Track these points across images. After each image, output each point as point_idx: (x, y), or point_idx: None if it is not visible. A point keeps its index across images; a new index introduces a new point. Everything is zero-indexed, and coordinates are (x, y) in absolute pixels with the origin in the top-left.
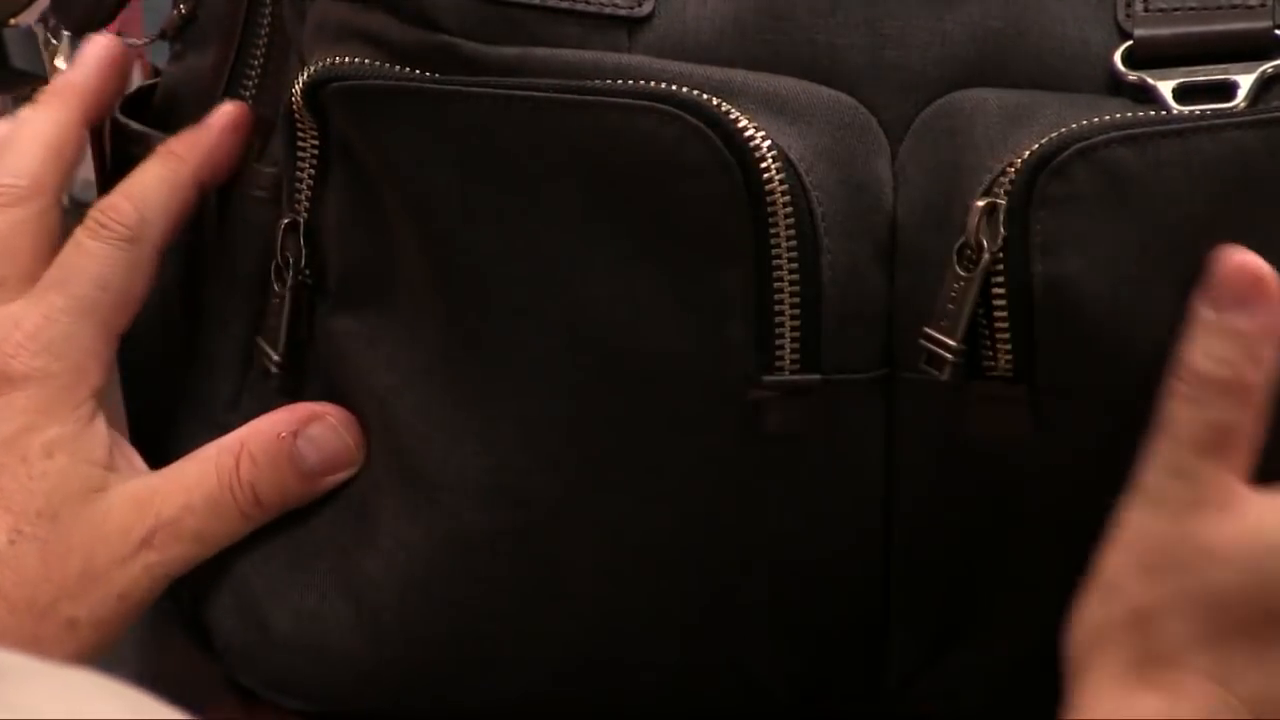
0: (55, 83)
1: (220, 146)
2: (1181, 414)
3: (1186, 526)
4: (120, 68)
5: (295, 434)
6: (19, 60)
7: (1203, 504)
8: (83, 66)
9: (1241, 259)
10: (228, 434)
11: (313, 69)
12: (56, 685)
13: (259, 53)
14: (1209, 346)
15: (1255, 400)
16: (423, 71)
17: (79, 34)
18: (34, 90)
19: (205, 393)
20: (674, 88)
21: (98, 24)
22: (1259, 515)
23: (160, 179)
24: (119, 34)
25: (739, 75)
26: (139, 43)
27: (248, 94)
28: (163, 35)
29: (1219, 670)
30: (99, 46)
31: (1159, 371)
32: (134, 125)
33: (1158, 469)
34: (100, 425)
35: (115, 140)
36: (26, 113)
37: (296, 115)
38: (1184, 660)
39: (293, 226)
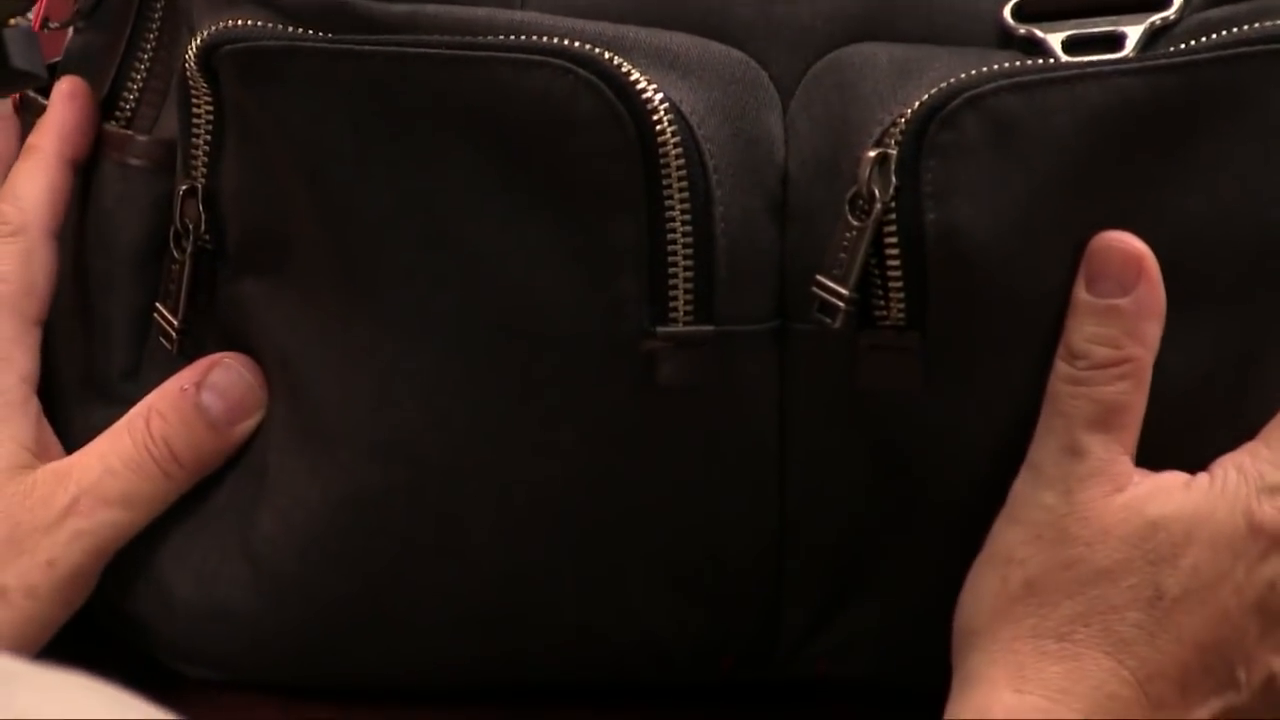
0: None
1: (67, 121)
2: (1070, 392)
3: (1076, 501)
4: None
5: (198, 385)
6: (19, 60)
7: (1092, 479)
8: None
9: (1118, 240)
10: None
11: (205, 34)
12: (50, 688)
13: (154, 26)
14: (1092, 327)
15: (1141, 377)
16: (315, 31)
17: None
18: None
19: (101, 364)
20: (566, 43)
21: (22, 8)
22: (1145, 492)
23: (28, 170)
24: (45, 19)
25: (631, 31)
26: (57, 25)
27: (142, 66)
28: (79, 15)
29: (1109, 643)
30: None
31: (1048, 319)
32: (43, 101)
33: (1049, 445)
34: (31, 409)
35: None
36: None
37: (190, 81)
38: (1077, 632)
39: (191, 192)
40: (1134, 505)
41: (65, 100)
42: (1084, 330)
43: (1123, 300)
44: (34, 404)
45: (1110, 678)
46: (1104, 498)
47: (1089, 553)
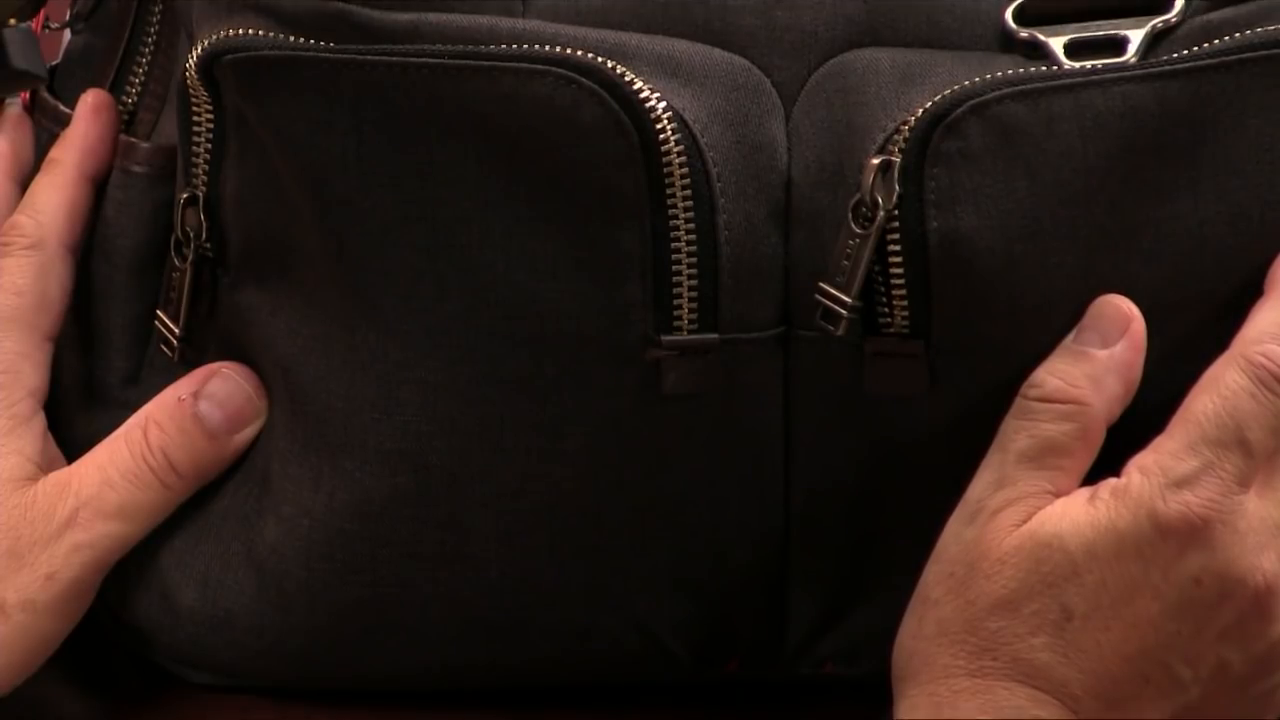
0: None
1: (89, 134)
2: (1015, 426)
3: (983, 534)
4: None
5: (195, 395)
6: (19, 60)
7: (1004, 511)
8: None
9: (1114, 299)
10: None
11: (206, 43)
12: None
13: (152, 29)
14: (1057, 365)
15: (1088, 426)
16: (316, 41)
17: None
18: (34, 91)
19: (100, 370)
20: (569, 51)
21: (25, 13)
22: (1045, 515)
23: (48, 185)
24: (46, 19)
25: (633, 39)
26: (57, 25)
27: (141, 70)
28: (77, 18)
29: (1021, 672)
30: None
31: (1052, 326)
32: (60, 105)
33: (983, 479)
34: (37, 424)
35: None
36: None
37: (190, 90)
38: (987, 667)
39: (192, 200)
40: (1031, 529)
41: (89, 115)
42: (1050, 364)
43: (1097, 351)
44: (40, 419)
45: (1030, 704)
46: (1010, 529)
47: (988, 584)
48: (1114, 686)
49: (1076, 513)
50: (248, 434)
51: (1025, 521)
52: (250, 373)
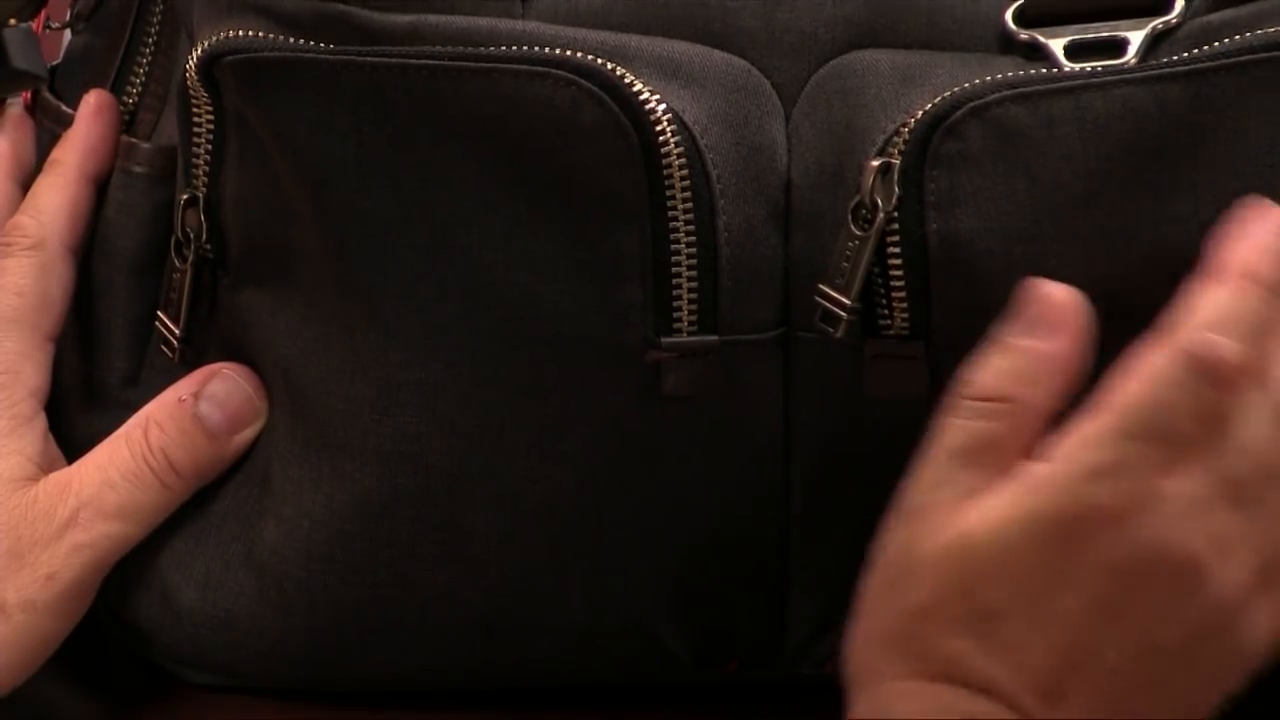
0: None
1: (91, 135)
2: (945, 424)
3: (912, 537)
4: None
5: (196, 395)
6: (19, 60)
7: (934, 511)
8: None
9: (1045, 287)
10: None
11: (206, 43)
12: None
13: (152, 29)
14: (994, 360)
15: (1021, 422)
16: (316, 42)
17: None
18: (35, 91)
19: (100, 370)
20: (568, 53)
21: (26, 14)
22: (967, 512)
23: (50, 185)
24: (46, 19)
25: (633, 40)
26: (57, 25)
27: (141, 70)
28: (78, 18)
29: (948, 675)
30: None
31: None
32: (62, 106)
33: (916, 480)
34: (38, 424)
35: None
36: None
37: (191, 91)
38: (917, 672)
39: (192, 201)
40: (955, 529)
41: (91, 116)
42: (986, 361)
43: (1033, 340)
44: (41, 419)
45: (966, 704)
46: (938, 529)
47: (915, 587)
48: (1048, 680)
49: (996, 508)
50: (248, 434)
51: (952, 521)
52: (250, 373)
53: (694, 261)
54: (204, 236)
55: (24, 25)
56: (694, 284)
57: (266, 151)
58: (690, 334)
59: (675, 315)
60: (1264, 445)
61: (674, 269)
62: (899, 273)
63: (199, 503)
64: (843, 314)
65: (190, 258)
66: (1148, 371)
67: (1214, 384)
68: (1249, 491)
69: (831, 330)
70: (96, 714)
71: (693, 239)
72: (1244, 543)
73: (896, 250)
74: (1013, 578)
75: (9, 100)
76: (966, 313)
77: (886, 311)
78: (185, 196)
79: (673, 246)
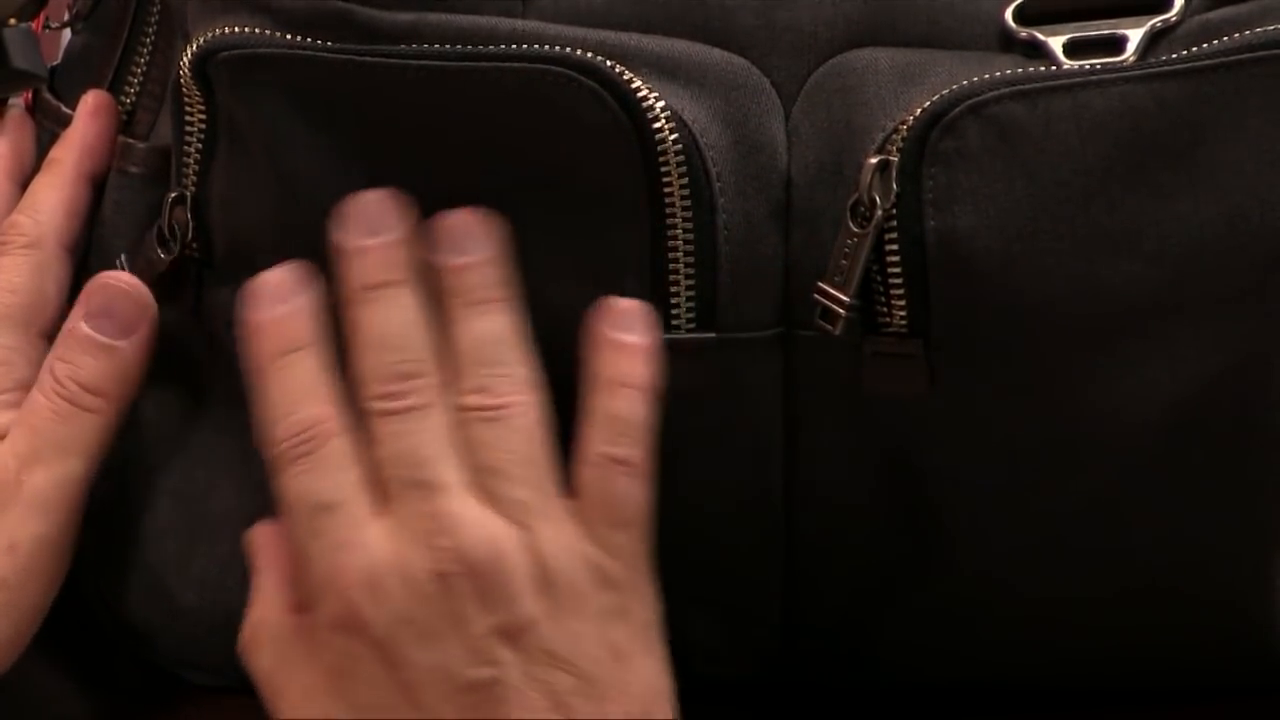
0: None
1: (89, 135)
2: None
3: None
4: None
5: (82, 319)
6: (19, 60)
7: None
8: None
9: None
10: None
11: (200, 40)
12: None
13: (150, 30)
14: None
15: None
16: (314, 39)
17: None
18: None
19: None
20: (568, 51)
21: (30, 13)
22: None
23: (48, 184)
24: (45, 19)
25: (632, 39)
26: (56, 25)
27: (139, 70)
28: (76, 17)
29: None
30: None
31: (1051, 325)
32: (62, 106)
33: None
34: None
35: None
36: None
37: (184, 89)
38: None
39: (180, 199)
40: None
41: (89, 115)
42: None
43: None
44: None
45: None
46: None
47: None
48: None
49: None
50: (144, 332)
51: None
52: (130, 276)
53: (692, 259)
54: (190, 235)
55: (24, 25)
56: (692, 282)
57: (257, 152)
58: (688, 331)
59: (673, 313)
60: None
61: (672, 266)
62: (897, 270)
63: (196, 506)
64: (841, 311)
65: (175, 254)
66: None
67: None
68: None
69: (830, 328)
70: (97, 714)
71: (691, 237)
72: None
73: (895, 248)
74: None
75: (10, 100)
76: (965, 310)
77: (885, 309)
78: (174, 194)
79: (671, 244)
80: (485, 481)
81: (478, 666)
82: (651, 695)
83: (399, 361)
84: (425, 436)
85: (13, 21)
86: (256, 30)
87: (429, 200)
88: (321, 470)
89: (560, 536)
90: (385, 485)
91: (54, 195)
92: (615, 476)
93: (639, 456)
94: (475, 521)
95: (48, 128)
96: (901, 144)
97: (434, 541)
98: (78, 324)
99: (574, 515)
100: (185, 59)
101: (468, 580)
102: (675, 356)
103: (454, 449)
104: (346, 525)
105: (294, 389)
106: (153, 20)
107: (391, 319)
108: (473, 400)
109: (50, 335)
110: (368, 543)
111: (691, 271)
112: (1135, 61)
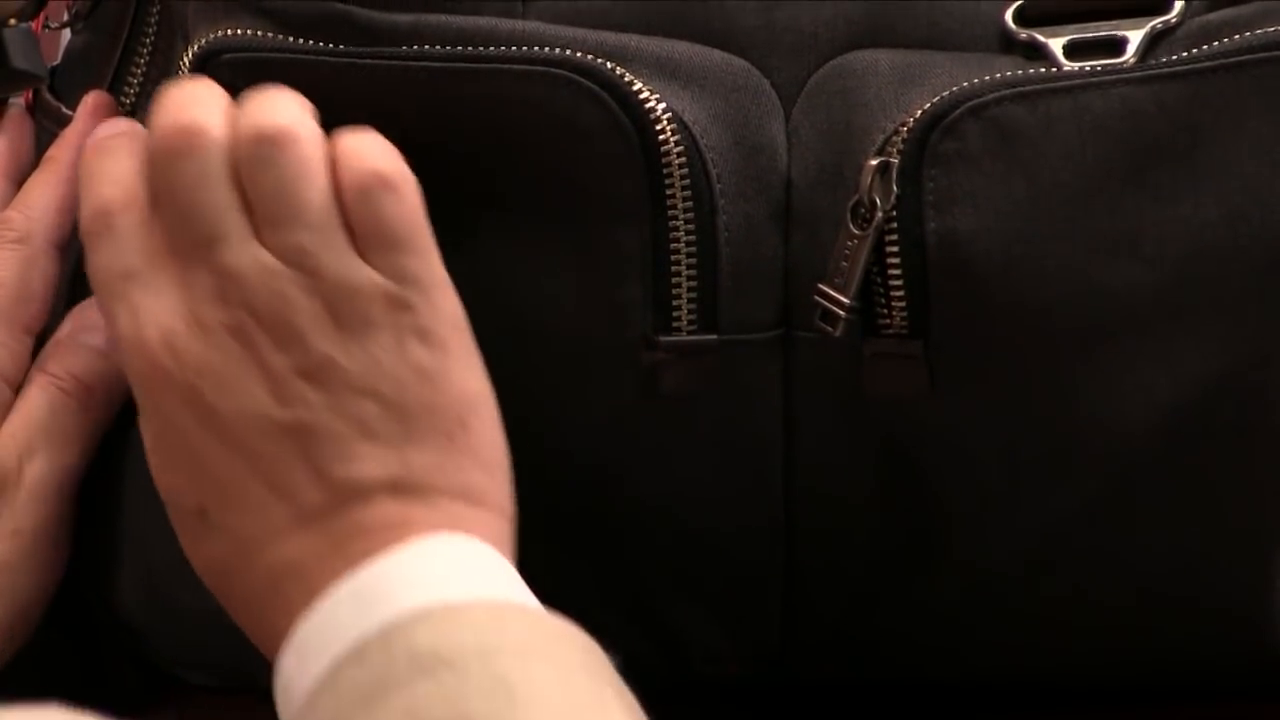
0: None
1: (87, 134)
2: None
3: None
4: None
5: (74, 331)
6: (19, 60)
7: None
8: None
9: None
10: None
11: (201, 41)
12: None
13: (150, 30)
14: None
15: None
16: (314, 41)
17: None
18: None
19: None
20: (568, 53)
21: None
22: None
23: (43, 182)
24: (45, 19)
25: (632, 40)
26: (56, 25)
27: (139, 71)
28: (76, 17)
29: None
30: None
31: (1051, 326)
32: (62, 106)
33: None
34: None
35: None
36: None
37: None
38: None
39: None
40: None
41: (88, 115)
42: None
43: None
44: (11, 406)
45: None
46: None
47: None
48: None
49: None
50: None
51: None
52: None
53: (693, 261)
54: None
55: (24, 25)
56: (693, 283)
57: None
58: (689, 333)
59: (674, 314)
60: None
61: (674, 268)
62: (897, 272)
63: None
64: (841, 313)
65: None
66: None
67: None
68: None
69: (830, 329)
70: (96, 714)
71: (692, 238)
72: None
73: (895, 249)
74: None
75: (11, 100)
76: (965, 311)
77: (885, 311)
78: None
79: (672, 246)
80: (265, 228)
81: (285, 407)
82: (465, 404)
83: (181, 114)
84: (205, 193)
85: (13, 21)
86: (257, 32)
87: (430, 201)
88: (116, 243)
89: (342, 270)
90: (174, 246)
91: (48, 192)
92: (378, 199)
93: (394, 170)
94: (259, 271)
95: (48, 128)
96: (902, 146)
97: (222, 295)
98: (74, 333)
99: (353, 247)
100: (185, 60)
101: (259, 329)
102: (676, 357)
103: (234, 200)
104: (140, 290)
105: (99, 179)
106: (153, 20)
107: (184, 94)
108: (247, 133)
109: (35, 331)
110: (161, 305)
111: (693, 273)
112: (1135, 63)
